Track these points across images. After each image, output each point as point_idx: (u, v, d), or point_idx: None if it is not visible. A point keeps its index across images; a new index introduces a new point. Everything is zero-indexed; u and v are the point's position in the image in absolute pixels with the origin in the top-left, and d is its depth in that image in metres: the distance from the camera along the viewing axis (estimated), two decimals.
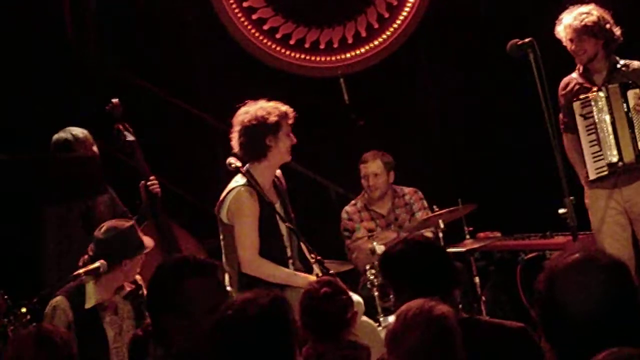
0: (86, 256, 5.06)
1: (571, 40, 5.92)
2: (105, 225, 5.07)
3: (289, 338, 3.06)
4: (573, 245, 5.69)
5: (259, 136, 5.53)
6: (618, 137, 5.88)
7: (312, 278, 5.39)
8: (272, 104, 5.60)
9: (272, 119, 5.53)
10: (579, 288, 2.46)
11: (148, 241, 5.17)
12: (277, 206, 5.62)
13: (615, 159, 5.88)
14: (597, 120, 5.90)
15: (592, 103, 5.91)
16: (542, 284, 2.52)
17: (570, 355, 2.48)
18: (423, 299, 3.06)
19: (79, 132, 6.03)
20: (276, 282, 5.45)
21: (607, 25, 5.91)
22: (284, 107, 5.61)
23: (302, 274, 5.52)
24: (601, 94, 5.89)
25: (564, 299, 2.46)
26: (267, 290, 3.14)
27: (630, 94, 5.85)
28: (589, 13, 5.91)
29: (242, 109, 5.61)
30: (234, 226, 5.52)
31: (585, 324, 2.44)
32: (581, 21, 5.89)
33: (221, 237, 5.65)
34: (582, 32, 5.88)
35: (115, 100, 6.12)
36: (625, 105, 5.86)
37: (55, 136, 6.05)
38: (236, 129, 5.59)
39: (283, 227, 5.59)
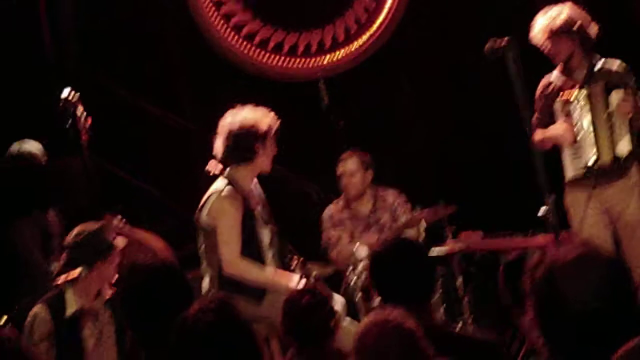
0: (59, 263, 5.04)
1: (546, 42, 5.94)
2: (75, 230, 5.06)
3: (247, 338, 3.11)
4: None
5: (248, 141, 5.57)
6: (597, 138, 5.89)
7: (295, 277, 5.40)
8: (260, 111, 5.63)
9: (263, 126, 5.59)
10: (580, 282, 2.47)
11: (119, 241, 5.16)
12: (258, 210, 5.63)
13: (592, 161, 5.89)
14: (576, 120, 5.92)
15: (573, 102, 5.91)
16: (541, 278, 2.53)
17: (565, 349, 2.49)
18: (388, 311, 3.08)
19: (30, 146, 6.11)
20: (258, 282, 5.46)
21: (579, 23, 5.91)
22: (272, 115, 5.66)
23: (284, 277, 5.52)
24: (583, 93, 5.89)
25: (564, 294, 2.47)
26: (216, 297, 3.19)
27: (614, 94, 5.84)
28: (560, 13, 5.93)
29: (230, 114, 5.64)
30: (216, 228, 5.52)
31: (584, 319, 2.45)
32: (553, 22, 5.91)
33: (200, 241, 5.65)
34: (555, 33, 5.89)
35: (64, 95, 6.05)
36: (606, 106, 5.87)
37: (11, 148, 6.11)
38: (223, 132, 5.62)
39: (263, 232, 5.60)
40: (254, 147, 5.59)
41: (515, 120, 5.73)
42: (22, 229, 6.02)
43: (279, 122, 5.68)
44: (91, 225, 5.07)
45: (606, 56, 6.07)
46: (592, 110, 5.87)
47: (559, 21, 5.89)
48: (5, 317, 4.99)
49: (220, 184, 5.59)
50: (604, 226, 5.98)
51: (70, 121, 5.98)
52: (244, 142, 5.58)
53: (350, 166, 6.81)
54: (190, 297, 3.61)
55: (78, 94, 6.03)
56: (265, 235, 5.63)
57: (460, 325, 6.28)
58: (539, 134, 5.94)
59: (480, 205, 7.34)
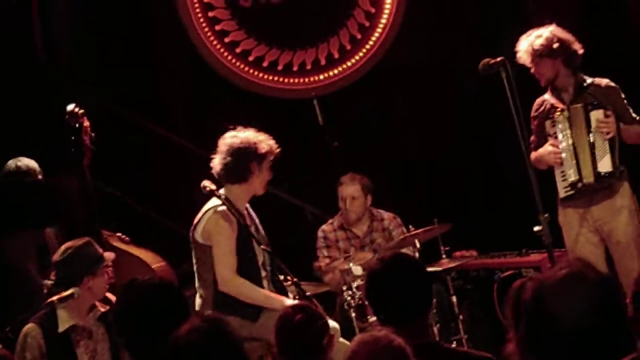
0: (49, 282, 5.03)
1: (529, 64, 5.98)
2: (62, 247, 5.05)
3: (238, 358, 3.10)
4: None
5: (245, 160, 5.59)
6: (578, 158, 5.91)
7: (289, 300, 5.39)
8: (262, 134, 5.65)
9: (262, 147, 5.61)
10: (570, 301, 2.46)
11: (108, 255, 5.14)
12: (252, 230, 5.63)
13: (574, 179, 5.91)
14: (560, 140, 5.95)
15: (557, 123, 5.95)
16: (530, 298, 2.52)
17: None
18: (378, 330, 3.08)
19: (27, 162, 6.09)
20: (252, 302, 5.46)
21: (558, 44, 5.92)
22: (272, 142, 5.68)
23: (279, 296, 5.52)
24: (565, 113, 5.93)
25: (553, 312, 2.46)
26: (207, 317, 3.18)
27: (594, 114, 5.87)
28: (539, 35, 5.96)
29: (231, 133, 5.67)
30: (211, 246, 5.52)
31: (574, 338, 2.44)
32: (532, 45, 5.94)
33: (194, 259, 5.64)
34: (535, 55, 5.94)
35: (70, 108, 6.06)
36: (586, 125, 5.89)
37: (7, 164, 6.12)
38: (222, 149, 5.63)
39: (258, 250, 5.59)
40: (250, 166, 5.59)
41: (510, 139, 5.75)
42: (16, 243, 6.01)
43: (279, 150, 5.68)
44: (77, 241, 5.04)
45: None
46: (573, 131, 5.90)
47: (538, 44, 5.93)
48: None
49: (215, 201, 5.58)
50: (596, 244, 6.00)
51: (73, 137, 5.98)
52: (242, 160, 5.58)
53: (351, 192, 6.83)
54: (187, 315, 3.59)
55: (83, 110, 6.04)
56: (259, 255, 5.62)
57: (455, 343, 6.26)
58: (533, 155, 5.98)
59: (474, 223, 7.34)
